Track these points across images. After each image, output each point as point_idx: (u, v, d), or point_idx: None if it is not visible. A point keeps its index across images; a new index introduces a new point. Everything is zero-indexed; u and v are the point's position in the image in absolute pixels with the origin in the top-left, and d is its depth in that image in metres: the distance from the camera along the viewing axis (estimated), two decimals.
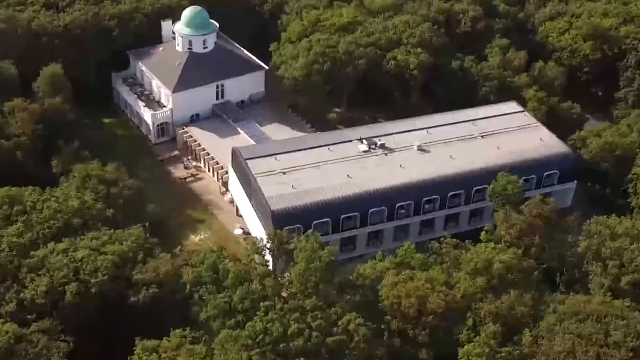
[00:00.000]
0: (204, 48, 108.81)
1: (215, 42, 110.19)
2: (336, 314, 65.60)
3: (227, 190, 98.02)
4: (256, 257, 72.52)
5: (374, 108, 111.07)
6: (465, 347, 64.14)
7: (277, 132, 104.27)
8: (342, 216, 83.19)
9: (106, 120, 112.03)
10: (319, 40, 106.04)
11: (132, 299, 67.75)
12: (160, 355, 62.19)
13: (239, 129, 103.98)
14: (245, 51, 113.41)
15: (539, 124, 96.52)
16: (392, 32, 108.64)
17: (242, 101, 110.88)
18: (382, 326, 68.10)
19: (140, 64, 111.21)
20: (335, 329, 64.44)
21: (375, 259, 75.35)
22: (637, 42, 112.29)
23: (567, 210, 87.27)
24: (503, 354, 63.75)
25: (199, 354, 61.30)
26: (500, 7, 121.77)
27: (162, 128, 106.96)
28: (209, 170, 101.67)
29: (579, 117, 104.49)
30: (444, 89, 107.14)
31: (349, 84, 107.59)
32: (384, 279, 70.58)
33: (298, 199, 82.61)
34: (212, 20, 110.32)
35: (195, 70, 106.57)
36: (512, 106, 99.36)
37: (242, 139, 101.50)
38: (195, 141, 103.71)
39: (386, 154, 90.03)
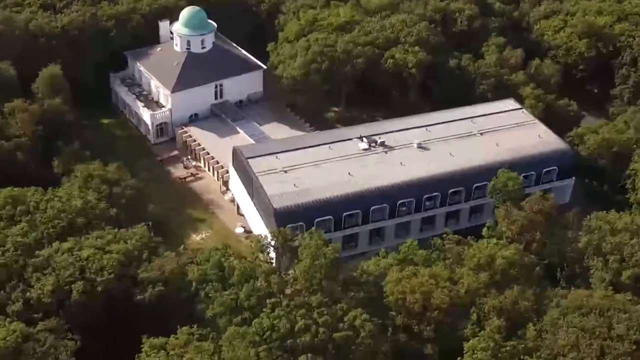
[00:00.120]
0: (202, 48, 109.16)
1: (213, 42, 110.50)
2: (342, 310, 66.09)
3: (227, 189, 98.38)
4: (260, 254, 72.92)
5: (372, 107, 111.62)
6: (471, 341, 64.63)
7: (276, 131, 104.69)
8: (344, 214, 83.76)
9: (105, 121, 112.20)
10: (317, 39, 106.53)
11: (139, 297, 67.99)
12: (168, 353, 62.44)
13: (238, 128, 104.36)
14: (243, 51, 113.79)
15: (536, 121, 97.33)
16: (390, 31, 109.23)
17: (241, 101, 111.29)
18: (387, 322, 68.58)
19: (138, 64, 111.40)
20: (342, 324, 64.92)
21: (378, 256, 75.90)
22: (632, 40, 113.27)
23: (566, 206, 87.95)
24: (508, 348, 64.28)
25: (207, 351, 61.61)
26: (496, 5, 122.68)
27: (161, 128, 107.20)
28: (209, 170, 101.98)
29: (576, 115, 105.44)
30: (441, 87, 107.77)
31: (347, 83, 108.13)
32: (387, 275, 71.11)
33: (300, 197, 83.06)
34: (210, 21, 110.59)
35: (194, 70, 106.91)
36: (510, 103, 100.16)
37: (242, 138, 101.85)
38: (195, 141, 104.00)
39: (386, 152, 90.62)
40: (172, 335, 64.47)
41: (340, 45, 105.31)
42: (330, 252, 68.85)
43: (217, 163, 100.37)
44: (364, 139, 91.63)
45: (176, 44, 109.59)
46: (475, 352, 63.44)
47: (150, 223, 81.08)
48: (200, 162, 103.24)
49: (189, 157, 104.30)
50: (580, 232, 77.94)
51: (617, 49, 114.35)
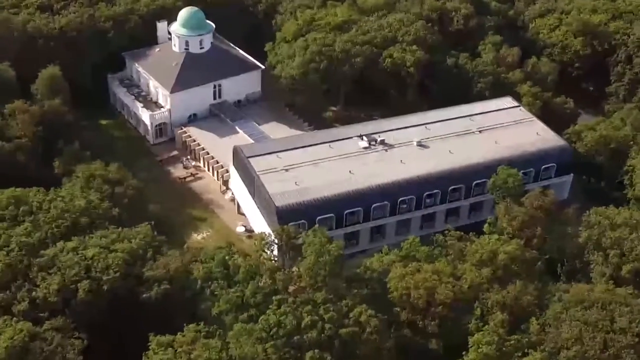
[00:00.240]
0: (201, 48, 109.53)
1: (211, 43, 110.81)
2: (347, 307, 66.55)
3: (227, 188, 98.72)
4: (264, 252, 73.28)
5: (370, 106, 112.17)
6: (475, 336, 65.15)
7: (275, 130, 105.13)
8: (346, 211, 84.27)
9: (103, 122, 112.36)
10: (315, 39, 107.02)
11: (145, 295, 68.21)
12: (175, 350, 62.72)
13: (237, 128, 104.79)
14: (241, 51, 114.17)
15: (534, 118, 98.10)
16: (387, 30, 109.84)
17: (239, 101, 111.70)
18: (391, 318, 69.01)
19: (136, 65, 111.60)
20: (347, 320, 65.35)
21: (377, 254, 76.43)
22: (627, 38, 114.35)
23: (564, 203, 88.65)
24: (512, 342, 64.88)
25: (214, 348, 61.90)
26: (492, 4, 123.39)
27: (160, 128, 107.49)
28: (208, 170, 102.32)
29: (572, 112, 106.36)
30: (439, 86, 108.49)
31: (346, 82, 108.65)
32: (391, 271, 71.65)
33: (302, 195, 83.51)
34: (208, 21, 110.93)
35: (193, 71, 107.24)
36: (508, 101, 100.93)
37: (241, 137, 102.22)
38: (195, 141, 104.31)
39: (386, 150, 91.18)
40: (178, 333, 64.72)
41: (339, 45, 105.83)
42: (334, 249, 69.35)
43: (217, 163, 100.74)
44: (364, 137, 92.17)
45: (174, 45, 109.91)
46: (480, 346, 63.93)
47: (152, 222, 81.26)
48: (199, 162, 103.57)
49: (189, 157, 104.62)
50: (580, 228, 78.67)
51: (612, 46, 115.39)
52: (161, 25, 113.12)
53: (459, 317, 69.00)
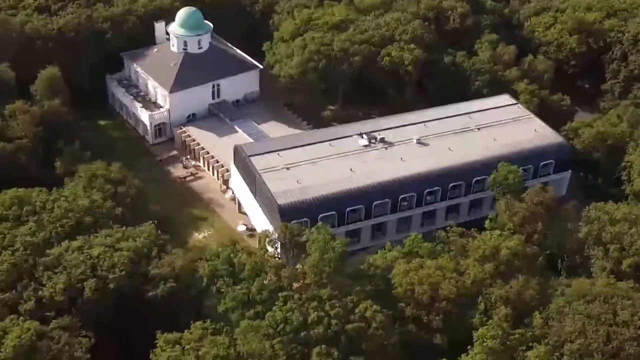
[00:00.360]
0: (199, 48, 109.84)
1: (209, 43, 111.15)
2: (352, 302, 67.11)
3: (227, 188, 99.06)
4: (269, 249, 73.83)
5: (368, 105, 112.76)
6: (480, 330, 65.74)
7: (274, 130, 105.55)
8: (348, 209, 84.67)
9: (102, 123, 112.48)
10: (314, 38, 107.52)
11: (151, 293, 68.50)
12: (183, 347, 63.09)
13: (236, 127, 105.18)
14: (239, 51, 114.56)
15: (532, 115, 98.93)
16: (385, 29, 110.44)
17: (238, 100, 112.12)
18: (395, 313, 69.53)
19: (135, 65, 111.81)
20: (353, 316, 65.90)
21: (380, 251, 76.96)
22: (622, 35, 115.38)
23: (563, 199, 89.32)
24: (516, 336, 65.58)
25: (222, 345, 62.29)
26: (487, 3, 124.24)
27: (159, 128, 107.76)
28: (208, 169, 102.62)
29: (569, 109, 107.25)
30: (437, 84, 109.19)
31: (344, 81, 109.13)
32: (394, 267, 72.21)
33: (304, 194, 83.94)
34: (206, 21, 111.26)
35: (191, 71, 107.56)
36: (506, 99, 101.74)
37: (241, 137, 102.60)
38: (194, 140, 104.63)
39: (386, 148, 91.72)
40: (185, 330, 65.10)
41: (337, 44, 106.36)
42: (338, 246, 69.95)
43: (217, 162, 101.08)
44: (364, 135, 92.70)
45: (173, 45, 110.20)
46: (485, 340, 64.51)
47: (155, 221, 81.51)
48: (199, 162, 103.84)
49: (188, 156, 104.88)
50: (580, 223, 79.37)
51: (607, 44, 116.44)
52: (159, 26, 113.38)
53: (462, 312, 69.62)
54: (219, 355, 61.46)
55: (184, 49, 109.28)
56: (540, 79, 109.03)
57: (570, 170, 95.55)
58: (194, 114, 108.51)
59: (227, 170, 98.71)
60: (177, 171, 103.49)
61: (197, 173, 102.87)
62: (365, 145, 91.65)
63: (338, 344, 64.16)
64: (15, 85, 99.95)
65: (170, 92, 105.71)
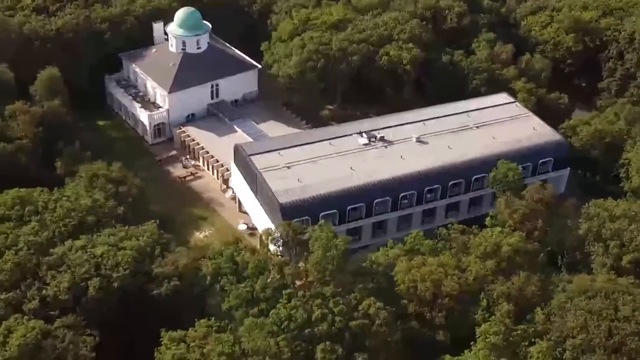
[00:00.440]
0: (198, 48, 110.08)
1: (208, 43, 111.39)
2: (356, 299, 67.46)
3: (227, 187, 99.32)
4: (271, 247, 74.15)
5: (367, 104, 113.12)
6: (483, 326, 66.16)
7: (273, 129, 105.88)
8: (349, 207, 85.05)
9: (100, 123, 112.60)
10: (312, 38, 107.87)
11: (155, 291, 68.72)
12: (188, 345, 63.33)
13: (235, 127, 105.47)
14: (237, 51, 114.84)
15: (530, 113, 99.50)
16: (383, 28, 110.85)
17: (236, 100, 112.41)
18: (398, 310, 69.93)
19: (133, 65, 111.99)
20: (356, 313, 66.27)
21: (382, 248, 77.36)
22: (618, 34, 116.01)
23: (561, 196, 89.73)
24: (519, 332, 66.03)
25: (227, 342, 62.56)
26: (484, 2, 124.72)
27: (158, 129, 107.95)
28: (208, 169, 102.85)
29: (566, 107, 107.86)
30: (435, 83, 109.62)
31: (343, 80, 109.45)
32: (397, 265, 72.60)
33: (305, 192, 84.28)
34: (204, 21, 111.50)
35: (190, 71, 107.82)
36: (504, 97, 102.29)
37: (240, 136, 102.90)
38: (194, 140, 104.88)
39: (386, 147, 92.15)
40: (190, 328, 65.34)
41: (336, 44, 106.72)
42: (341, 244, 70.27)
43: (217, 161, 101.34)
44: (364, 134, 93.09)
45: (171, 45, 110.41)
46: (488, 336, 64.98)
47: (157, 220, 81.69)
48: (199, 161, 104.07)
49: (188, 156, 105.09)
50: (580, 220, 79.89)
51: (603, 43, 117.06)
52: (157, 26, 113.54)
53: (465, 308, 70.00)
54: (224, 352, 61.74)
55: (182, 49, 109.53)
56: (538, 78, 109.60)
57: (568, 168, 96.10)
58: (193, 114, 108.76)
59: (227, 170, 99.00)
60: (177, 171, 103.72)
61: (196, 173, 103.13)
62: (365, 144, 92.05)
63: (342, 341, 64.55)
64: (15, 86, 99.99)
65: (170, 92, 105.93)
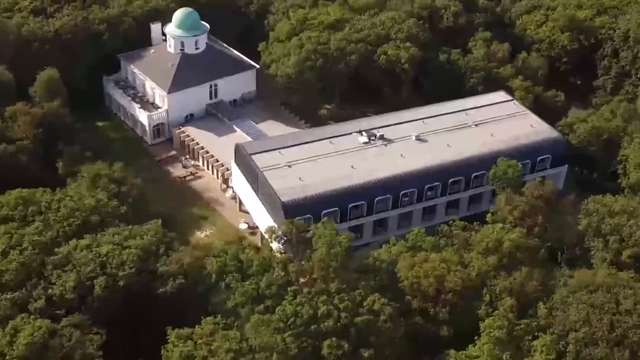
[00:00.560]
0: (196, 49, 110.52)
1: (206, 43, 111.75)
2: (360, 296, 67.96)
3: (227, 186, 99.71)
4: (274, 245, 74.63)
5: (365, 104, 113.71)
6: (487, 321, 66.86)
7: (272, 129, 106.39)
8: (350, 205, 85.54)
9: (99, 124, 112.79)
10: (310, 37, 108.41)
11: (161, 289, 69.03)
12: (195, 342, 63.69)
13: (235, 126, 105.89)
14: (235, 51, 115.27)
15: (528, 111, 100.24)
16: (380, 28, 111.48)
17: (235, 100, 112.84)
18: (402, 306, 70.43)
19: (132, 66, 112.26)
20: (361, 309, 66.76)
21: (384, 246, 77.94)
22: (612, 32, 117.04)
23: (560, 193, 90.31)
24: (522, 326, 66.73)
25: (234, 339, 62.94)
26: (479, 1, 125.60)
27: (157, 129, 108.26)
28: (208, 168, 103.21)
29: (563, 105, 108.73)
30: (432, 82, 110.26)
31: (341, 80, 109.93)
32: (399, 261, 73.14)
33: (306, 190, 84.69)
34: (202, 22, 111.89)
35: (189, 71, 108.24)
36: (501, 95, 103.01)
37: (239, 136, 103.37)
38: (193, 140, 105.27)
39: (386, 145, 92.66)
40: (196, 326, 65.69)
41: (334, 43, 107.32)
42: (345, 241, 70.75)
43: (217, 161, 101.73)
44: (364, 132, 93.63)
45: (170, 46, 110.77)
46: (492, 330, 65.64)
47: (160, 220, 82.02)
48: (199, 161, 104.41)
49: (187, 156, 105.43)
50: (580, 216, 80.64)
51: (598, 41, 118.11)
52: (155, 27, 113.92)
53: (468, 303, 70.60)
54: (232, 349, 62.08)
55: (181, 50, 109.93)
56: (534, 76, 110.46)
57: (566, 165, 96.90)
58: (191, 114, 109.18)
59: (227, 169, 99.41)
60: (177, 171, 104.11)
61: (196, 172, 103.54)
62: (365, 143, 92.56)
63: (348, 337, 65.02)
64: (14, 87, 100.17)
65: (169, 92, 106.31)
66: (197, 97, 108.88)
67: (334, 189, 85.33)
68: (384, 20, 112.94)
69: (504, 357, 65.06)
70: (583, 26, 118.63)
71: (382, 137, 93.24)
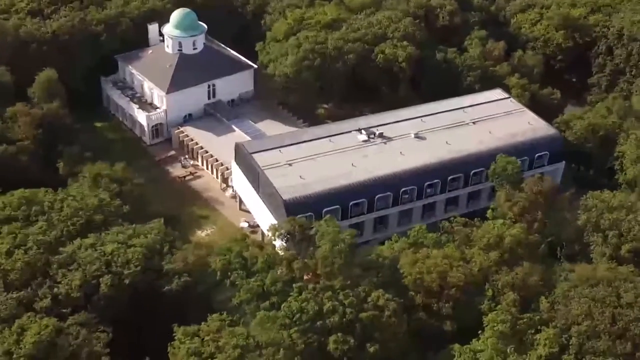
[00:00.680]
0: (194, 49, 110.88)
1: (203, 43, 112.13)
2: (364, 292, 68.56)
3: (227, 186, 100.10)
4: (277, 242, 75.12)
5: (362, 103, 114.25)
6: (490, 315, 67.58)
7: (270, 128, 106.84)
8: (351, 203, 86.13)
9: (98, 125, 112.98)
10: (307, 37, 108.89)
11: (166, 287, 69.42)
12: (202, 339, 64.10)
13: (233, 126, 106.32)
14: (232, 51, 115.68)
15: (525, 109, 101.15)
16: (377, 27, 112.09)
17: (233, 100, 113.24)
18: (405, 302, 71.06)
19: (130, 67, 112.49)
20: (366, 305, 67.35)
21: (386, 243, 78.55)
22: (606, 30, 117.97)
23: (558, 189, 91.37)
24: (525, 320, 67.45)
25: (241, 335, 63.40)
26: (474, 0, 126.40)
27: (156, 129, 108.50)
28: (207, 168, 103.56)
29: (559, 103, 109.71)
30: (429, 80, 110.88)
31: (339, 79, 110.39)
32: (402, 258, 73.76)
33: (308, 189, 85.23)
34: (200, 22, 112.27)
35: (187, 71, 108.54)
36: (498, 93, 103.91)
37: (238, 136, 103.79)
38: (193, 140, 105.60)
39: (385, 143, 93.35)
40: (202, 323, 66.10)
41: (331, 42, 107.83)
42: (348, 238, 71.32)
43: (217, 161, 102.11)
44: (363, 131, 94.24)
45: (167, 46, 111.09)
46: (496, 324, 66.35)
47: (162, 218, 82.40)
48: (198, 161, 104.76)
49: (187, 156, 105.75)
50: (579, 211, 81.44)
51: (592, 39, 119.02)
52: (152, 28, 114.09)
53: (471, 299, 71.29)
54: (239, 345, 62.53)
55: (179, 50, 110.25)
56: (530, 74, 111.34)
57: (563, 162, 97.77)
58: (190, 114, 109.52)
59: (227, 169, 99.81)
60: (176, 171, 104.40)
61: (196, 172, 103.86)
62: (365, 141, 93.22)
63: (353, 332, 65.59)
64: (13, 88, 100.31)
65: (167, 92, 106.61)
66: (195, 97, 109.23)
67: (335, 187, 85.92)
68: (380, 20, 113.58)
69: (507, 350, 65.79)
70: (577, 24, 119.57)
71: (381, 135, 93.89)
